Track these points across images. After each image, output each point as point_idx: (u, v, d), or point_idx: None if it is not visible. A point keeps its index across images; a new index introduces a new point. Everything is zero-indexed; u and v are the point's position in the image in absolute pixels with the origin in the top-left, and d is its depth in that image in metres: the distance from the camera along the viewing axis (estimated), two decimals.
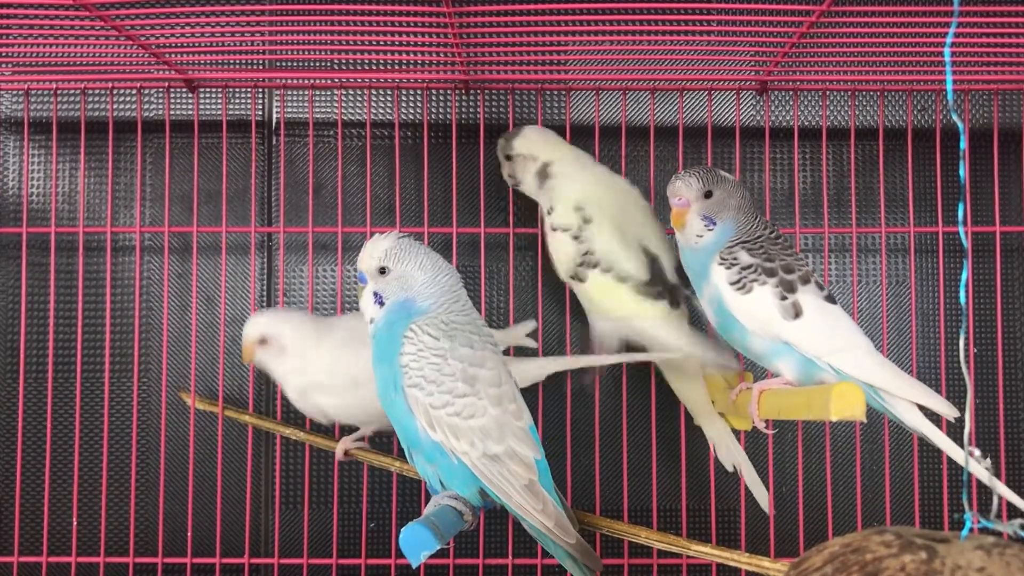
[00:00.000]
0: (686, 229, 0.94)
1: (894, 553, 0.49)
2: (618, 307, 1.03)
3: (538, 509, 0.85)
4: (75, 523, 1.15)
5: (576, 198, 1.04)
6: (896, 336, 1.20)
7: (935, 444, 0.89)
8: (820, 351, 0.89)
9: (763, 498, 1.07)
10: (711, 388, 1.09)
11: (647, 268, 1.03)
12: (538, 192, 1.09)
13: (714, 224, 0.93)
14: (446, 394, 0.84)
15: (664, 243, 1.06)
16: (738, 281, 0.91)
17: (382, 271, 0.88)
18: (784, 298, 0.90)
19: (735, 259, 0.92)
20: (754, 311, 0.90)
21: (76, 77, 1.10)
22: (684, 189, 0.93)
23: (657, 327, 1.03)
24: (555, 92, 1.20)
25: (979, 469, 0.81)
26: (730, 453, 1.08)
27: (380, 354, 0.88)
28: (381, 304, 0.88)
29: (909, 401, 0.89)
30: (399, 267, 0.87)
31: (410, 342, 0.85)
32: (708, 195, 0.93)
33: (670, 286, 1.04)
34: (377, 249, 0.88)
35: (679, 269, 1.01)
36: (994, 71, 1.07)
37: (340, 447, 1.07)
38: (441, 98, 1.21)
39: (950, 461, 1.19)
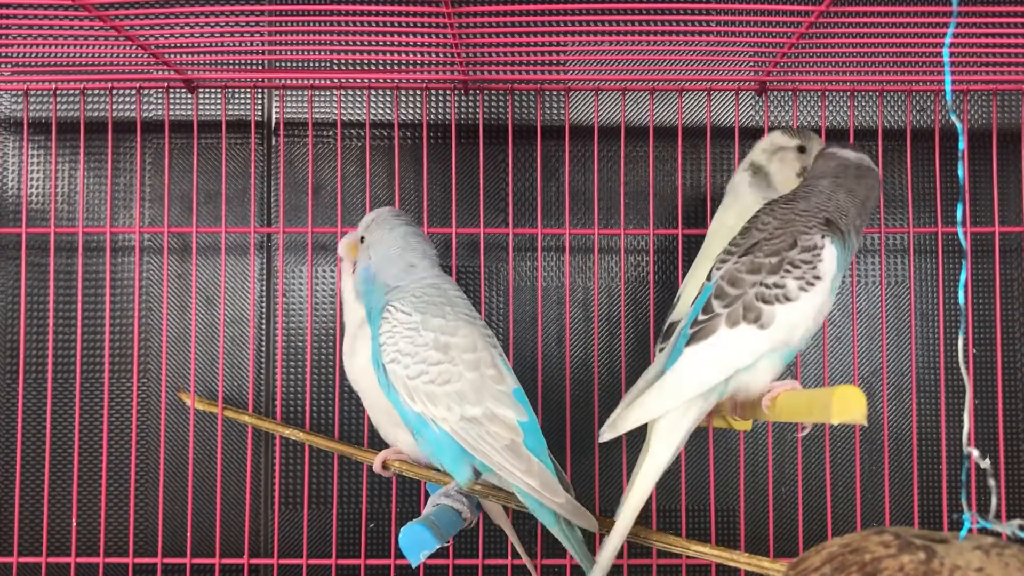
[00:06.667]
0: None
1: (893, 553, 0.49)
2: None
3: (521, 469, 0.85)
4: (75, 523, 1.15)
5: None
6: (896, 336, 1.20)
7: None
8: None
9: None
10: None
11: None
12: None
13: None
14: (420, 363, 0.86)
15: None
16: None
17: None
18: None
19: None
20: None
21: (75, 77, 1.10)
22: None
23: None
24: (554, 92, 1.20)
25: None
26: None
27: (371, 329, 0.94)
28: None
29: None
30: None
31: (386, 321, 0.89)
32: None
33: None
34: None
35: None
36: (993, 71, 1.07)
37: (378, 459, 1.04)
38: (441, 98, 1.21)
39: (949, 461, 1.19)
